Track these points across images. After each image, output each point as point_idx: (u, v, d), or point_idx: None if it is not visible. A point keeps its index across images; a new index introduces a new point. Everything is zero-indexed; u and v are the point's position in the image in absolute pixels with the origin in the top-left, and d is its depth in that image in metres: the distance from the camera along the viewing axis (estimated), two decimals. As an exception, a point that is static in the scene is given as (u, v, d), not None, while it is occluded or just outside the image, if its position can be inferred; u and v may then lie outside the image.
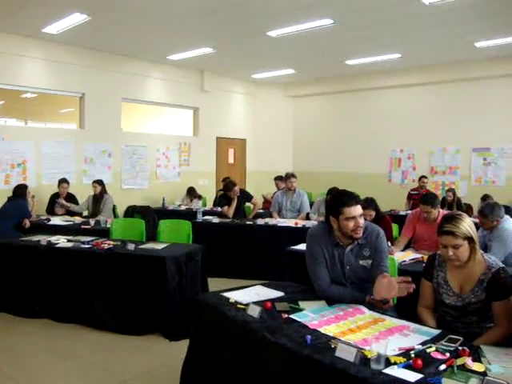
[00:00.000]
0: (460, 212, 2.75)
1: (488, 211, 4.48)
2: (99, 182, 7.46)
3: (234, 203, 7.26)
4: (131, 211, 8.64)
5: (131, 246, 4.65)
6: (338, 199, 2.94)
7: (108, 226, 6.18)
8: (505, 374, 1.91)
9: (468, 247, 2.58)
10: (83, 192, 7.92)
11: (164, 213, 8.47)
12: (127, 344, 4.22)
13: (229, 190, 7.26)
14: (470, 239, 2.58)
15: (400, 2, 6.35)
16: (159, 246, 4.80)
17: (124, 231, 5.96)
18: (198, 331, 3.00)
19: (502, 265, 2.63)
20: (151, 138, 10.42)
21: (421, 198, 5.23)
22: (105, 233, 5.84)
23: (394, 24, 7.33)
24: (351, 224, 2.85)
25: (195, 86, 11.13)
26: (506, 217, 4.56)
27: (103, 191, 7.43)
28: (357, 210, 2.86)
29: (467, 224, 2.59)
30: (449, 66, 9.91)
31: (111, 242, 4.96)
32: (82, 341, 4.29)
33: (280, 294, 3.02)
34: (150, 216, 7.70)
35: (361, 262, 2.97)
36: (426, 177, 9.39)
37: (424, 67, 10.23)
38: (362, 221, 2.89)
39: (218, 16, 6.99)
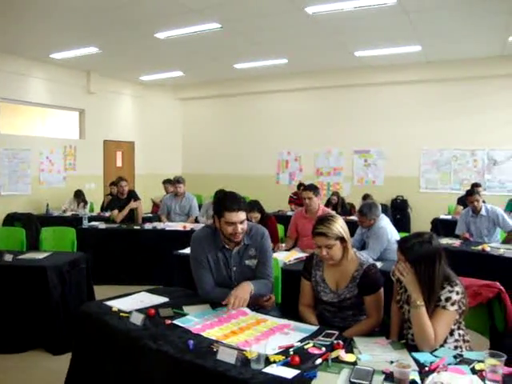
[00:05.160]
0: (332, 213, 2.93)
1: (366, 211, 4.78)
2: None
3: (128, 208, 7.06)
4: (11, 219, 8.10)
5: (9, 257, 4.36)
6: (221, 202, 2.93)
7: (-17, 236, 5.75)
8: (373, 361, 2.07)
9: (340, 246, 2.74)
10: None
11: (48, 220, 7.98)
12: (6, 363, 3.92)
13: (115, 184, 7.09)
14: (341, 239, 2.74)
15: (285, 10, 6.55)
16: (40, 256, 4.55)
17: (2, 241, 5.55)
18: (80, 343, 2.89)
19: (372, 261, 2.83)
20: (34, 141, 9.80)
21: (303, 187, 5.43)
22: (-21, 244, 5.43)
23: (279, 31, 7.55)
24: (230, 229, 2.87)
25: (81, 87, 10.66)
26: (382, 215, 4.90)
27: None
28: (238, 216, 2.86)
29: (339, 225, 2.75)
30: (332, 73, 10.40)
31: (-14, 254, 4.62)
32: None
33: (165, 299, 3.00)
34: (31, 224, 7.28)
35: (247, 262, 3.02)
36: (304, 184, 9.48)
37: (309, 73, 10.63)
38: (242, 226, 2.90)
39: (104, 15, 6.76)
